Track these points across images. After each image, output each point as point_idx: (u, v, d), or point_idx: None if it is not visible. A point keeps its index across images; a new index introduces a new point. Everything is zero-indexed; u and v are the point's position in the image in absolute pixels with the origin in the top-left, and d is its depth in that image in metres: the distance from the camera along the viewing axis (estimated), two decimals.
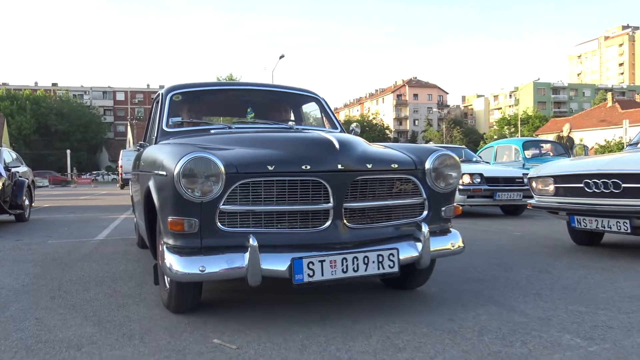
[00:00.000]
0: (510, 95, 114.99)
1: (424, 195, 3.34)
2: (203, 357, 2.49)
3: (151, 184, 3.25)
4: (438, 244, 3.30)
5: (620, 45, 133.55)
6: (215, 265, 2.80)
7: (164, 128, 4.24)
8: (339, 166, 2.98)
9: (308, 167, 2.95)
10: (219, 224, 2.87)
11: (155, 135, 4.28)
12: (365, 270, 2.98)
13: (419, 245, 3.17)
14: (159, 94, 4.75)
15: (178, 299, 3.17)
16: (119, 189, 29.19)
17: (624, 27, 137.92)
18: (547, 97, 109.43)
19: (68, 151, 57.55)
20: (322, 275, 2.88)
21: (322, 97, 5.11)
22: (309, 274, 2.86)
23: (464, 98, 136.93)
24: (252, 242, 2.79)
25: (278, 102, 5.15)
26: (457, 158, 3.47)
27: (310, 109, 5.20)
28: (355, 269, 2.95)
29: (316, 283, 2.88)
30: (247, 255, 2.80)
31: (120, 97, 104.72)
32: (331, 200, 3.00)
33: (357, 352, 2.55)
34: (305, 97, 5.11)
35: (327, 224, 3.01)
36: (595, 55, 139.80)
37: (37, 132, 75.81)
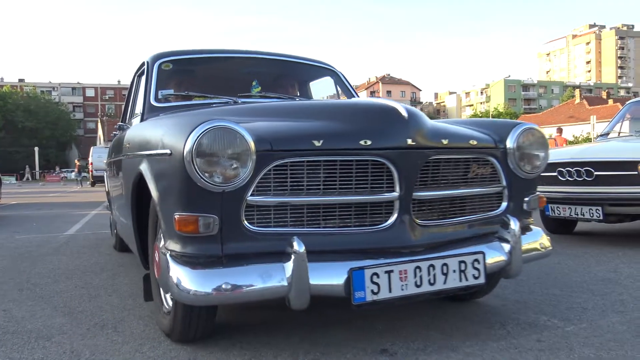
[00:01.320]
0: (481, 92, 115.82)
1: (504, 182, 2.56)
2: (178, 345, 2.40)
3: (145, 169, 2.40)
4: (526, 245, 2.51)
5: (588, 43, 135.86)
6: (244, 281, 1.98)
7: (152, 102, 3.36)
8: (409, 141, 2.17)
9: (368, 142, 2.13)
10: (245, 222, 2.05)
11: (141, 111, 3.40)
12: (445, 282, 2.20)
13: (506, 247, 2.40)
14: (143, 62, 3.85)
15: (185, 325, 2.32)
16: (90, 187, 28.38)
17: (590, 26, 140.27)
18: (518, 94, 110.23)
19: (36, 148, 55.64)
20: (390, 291, 2.09)
21: (339, 71, 4.29)
22: (372, 290, 2.06)
23: (436, 95, 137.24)
24: (298, 246, 1.97)
25: (288, 76, 4.29)
26: (544, 133, 2.68)
27: (323, 86, 4.35)
28: (432, 281, 2.17)
29: (382, 302, 2.09)
30: (289, 265, 1.99)
31: (90, 93, 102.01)
32: (397, 187, 2.19)
33: None
34: (319, 69, 4.26)
35: (392, 220, 2.21)
36: (564, 53, 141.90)
37: (4, 129, 73.30)
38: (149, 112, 3.31)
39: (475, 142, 2.44)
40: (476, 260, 2.25)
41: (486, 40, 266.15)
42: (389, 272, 2.08)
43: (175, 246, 2.09)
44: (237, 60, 4.03)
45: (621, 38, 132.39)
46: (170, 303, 2.44)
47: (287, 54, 4.23)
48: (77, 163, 33.52)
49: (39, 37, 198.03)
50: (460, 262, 2.22)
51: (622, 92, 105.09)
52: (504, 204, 2.58)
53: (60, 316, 2.95)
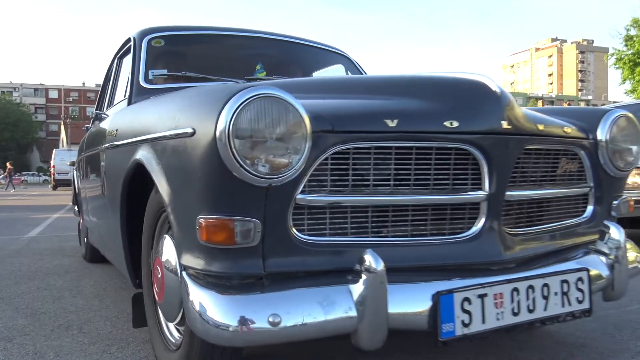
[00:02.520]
0: None
1: (591, 181, 2.07)
2: (148, 346, 2.28)
3: (146, 157, 1.83)
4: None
5: (550, 56, 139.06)
6: (296, 311, 1.40)
7: (142, 84, 2.77)
8: (504, 124, 1.65)
9: (455, 123, 1.60)
10: (294, 230, 1.49)
11: (128, 95, 2.81)
12: (545, 308, 1.70)
13: (606, 261, 1.91)
14: (127, 40, 3.24)
15: None
16: (52, 190, 27.42)
17: (553, 40, 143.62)
18: None
19: None
20: (484, 322, 1.57)
21: (354, 59, 3.77)
22: (463, 322, 1.54)
23: None
24: (374, 262, 1.42)
25: (296, 60, 3.71)
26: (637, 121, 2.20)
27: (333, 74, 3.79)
28: (531, 307, 1.66)
29: (474, 336, 1.55)
30: (356, 288, 1.43)
31: (53, 94, 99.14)
32: (486, 184, 1.67)
33: None
34: (331, 55, 3.72)
35: (477, 227, 1.69)
36: (527, 66, 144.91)
37: None
38: (138, 94, 2.71)
39: (569, 130, 1.94)
40: (580, 279, 1.75)
41: (454, 51, 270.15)
42: (482, 297, 1.56)
43: (196, 262, 1.50)
44: (239, 39, 3.44)
45: (582, 52, 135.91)
46: (177, 335, 1.87)
47: (296, 36, 3.68)
48: (9, 166, 31.30)
49: (0, 35, 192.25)
50: (563, 281, 1.71)
51: (582, 104, 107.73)
52: (590, 209, 2.10)
53: (22, 317, 2.83)
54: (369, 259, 1.41)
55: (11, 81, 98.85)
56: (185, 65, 3.10)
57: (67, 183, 22.66)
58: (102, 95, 4.15)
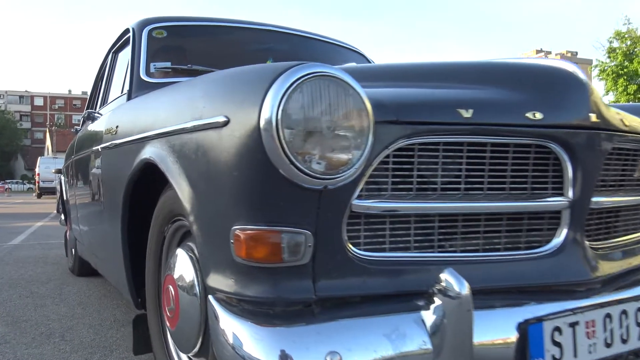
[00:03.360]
0: None
1: None
2: (132, 353, 2.03)
3: (159, 155, 1.53)
4: None
5: None
6: (358, 346, 1.10)
7: (143, 77, 2.49)
8: (593, 117, 1.38)
9: (538, 115, 1.32)
10: (349, 245, 1.21)
11: (127, 89, 2.52)
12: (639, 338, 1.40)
13: None
14: (125, 31, 2.96)
15: None
16: (36, 199, 26.87)
17: (537, 51, 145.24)
18: None
19: None
20: (576, 355, 1.29)
21: (370, 58, 3.51)
22: (554, 356, 1.25)
23: None
24: (456, 284, 1.12)
25: (309, 56, 3.43)
26: None
27: None
28: (625, 337, 1.39)
29: None
30: (429, 316, 1.14)
31: (38, 102, 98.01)
32: (569, 188, 1.39)
33: None
34: (346, 52, 3.45)
35: (559, 240, 1.41)
36: None
37: None
38: (139, 89, 2.41)
39: None
40: None
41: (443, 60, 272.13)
42: (573, 325, 1.28)
43: (228, 283, 1.20)
44: (248, 32, 3.16)
45: None
46: None
47: (309, 31, 3.42)
48: None
49: None
50: None
51: None
52: None
53: (2, 325, 2.79)
54: (450, 279, 1.12)
55: None
56: (188, 59, 2.81)
57: (51, 191, 22.25)
58: (95, 94, 3.86)
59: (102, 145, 2.38)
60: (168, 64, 2.62)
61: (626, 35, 23.24)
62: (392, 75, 1.66)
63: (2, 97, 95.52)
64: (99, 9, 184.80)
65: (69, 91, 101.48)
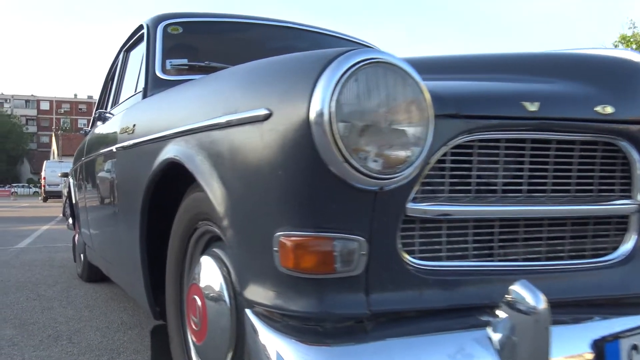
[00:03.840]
0: None
1: None
2: (140, 356, 2.27)
3: (185, 155, 1.41)
4: None
5: None
6: None
7: (158, 74, 2.36)
8: None
9: (609, 109, 1.20)
10: (404, 253, 1.07)
11: (143, 87, 2.40)
12: None
13: None
14: (138, 27, 2.84)
15: None
16: (42, 202, 26.85)
17: None
18: None
19: None
20: None
21: None
22: None
23: None
24: (531, 297, 0.98)
25: None
26: None
27: None
28: None
29: None
30: (502, 333, 1.01)
31: (44, 106, 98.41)
32: (638, 191, 1.26)
33: None
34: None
35: (628, 247, 1.28)
36: None
37: None
38: (155, 86, 2.29)
39: None
40: None
41: None
42: None
43: (269, 296, 1.07)
44: (266, 29, 3.04)
45: None
46: None
47: (328, 28, 3.30)
48: None
49: None
50: None
51: None
52: None
53: (10, 328, 2.77)
54: (523, 292, 0.98)
55: (2, 92, 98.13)
56: (205, 56, 2.69)
57: (57, 195, 22.20)
58: (105, 94, 3.75)
59: (117, 146, 2.26)
60: (185, 61, 2.50)
61: (631, 39, 23.10)
62: (449, 67, 1.53)
63: (8, 101, 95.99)
64: (104, 13, 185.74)
65: (75, 95, 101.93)
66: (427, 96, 1.00)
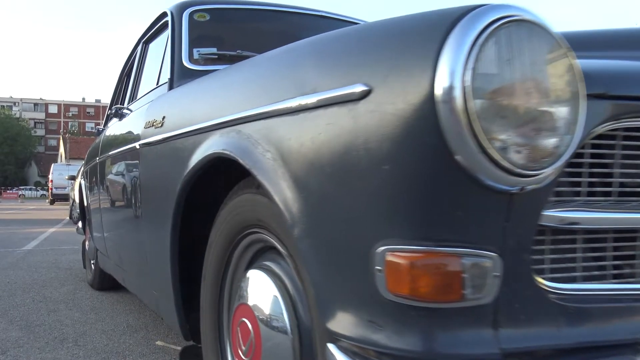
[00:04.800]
0: None
1: None
2: (146, 359, 2.27)
3: (237, 148, 1.15)
4: None
5: None
6: None
7: (185, 64, 2.14)
8: None
9: None
10: (536, 275, 0.82)
11: (168, 78, 2.18)
12: None
13: None
14: (162, 14, 2.62)
15: None
16: (49, 205, 26.80)
17: None
18: None
19: None
20: None
21: None
22: None
23: None
24: None
25: None
26: None
27: None
28: None
29: None
30: None
31: (52, 109, 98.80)
32: None
33: None
34: None
35: None
36: None
37: None
38: (181, 77, 2.08)
39: None
40: None
41: None
42: None
43: (362, 329, 0.82)
44: (300, 18, 2.82)
45: None
46: None
47: (361, 18, 3.08)
48: None
49: (1, 51, 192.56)
50: None
51: None
52: None
53: (16, 330, 2.77)
54: None
55: (11, 96, 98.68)
56: (232, 45, 2.47)
57: (64, 198, 22.12)
58: (120, 90, 3.55)
59: (142, 142, 2.02)
60: (213, 50, 2.28)
61: None
62: (594, 43, 1.28)
63: (17, 104, 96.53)
64: (112, 18, 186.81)
65: (83, 99, 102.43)
66: (578, 68, 0.76)
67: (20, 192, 52.17)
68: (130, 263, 2.41)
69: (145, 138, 1.98)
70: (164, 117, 1.80)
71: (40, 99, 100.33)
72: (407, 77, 0.75)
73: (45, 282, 4.17)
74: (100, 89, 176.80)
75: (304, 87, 0.94)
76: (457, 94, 0.69)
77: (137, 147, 2.09)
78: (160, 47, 2.54)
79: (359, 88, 0.80)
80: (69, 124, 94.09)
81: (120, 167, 2.51)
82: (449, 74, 0.70)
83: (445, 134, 0.70)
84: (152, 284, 1.90)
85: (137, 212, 2.08)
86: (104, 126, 3.62)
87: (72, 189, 14.00)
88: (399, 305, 0.76)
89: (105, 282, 3.67)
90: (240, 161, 1.10)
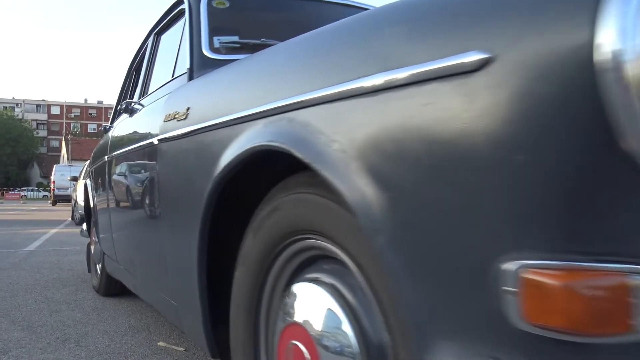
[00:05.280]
0: None
1: None
2: None
3: (295, 139, 0.95)
4: None
5: None
6: None
7: (206, 53, 1.98)
8: None
9: None
10: None
11: (175, 75, 2.07)
12: None
13: None
14: (178, 1, 2.45)
15: None
16: (51, 206, 26.80)
17: None
18: None
19: None
20: None
21: None
22: None
23: None
24: None
25: None
26: None
27: None
28: None
29: None
30: None
31: (55, 111, 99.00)
32: None
33: None
34: None
35: None
36: None
37: None
38: (202, 67, 1.92)
39: None
40: None
41: None
42: None
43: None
44: (322, 6, 2.66)
45: None
46: None
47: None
48: None
49: (3, 52, 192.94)
50: None
51: None
52: None
53: (18, 330, 2.78)
54: None
55: (14, 97, 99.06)
56: (255, 34, 2.32)
57: (66, 199, 22.05)
58: (130, 84, 3.40)
59: (161, 137, 1.83)
60: (235, 38, 2.12)
61: None
62: None
63: (20, 105, 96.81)
64: (113, 18, 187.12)
65: (85, 100, 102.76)
66: None
67: (22, 193, 52.18)
68: (144, 269, 2.23)
69: (165, 132, 1.80)
70: (188, 109, 1.62)
71: (43, 100, 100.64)
72: (548, 40, 0.56)
73: (47, 282, 4.18)
74: (102, 90, 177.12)
75: (388, 61, 0.76)
76: (630, 58, 0.51)
77: (155, 142, 1.91)
78: (174, 37, 2.41)
79: (474, 57, 0.62)
80: (71, 125, 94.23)
81: (133, 165, 2.33)
82: (617, 32, 0.52)
83: (608, 112, 0.52)
84: (172, 292, 1.72)
85: (155, 214, 1.89)
86: (111, 124, 3.47)
87: (75, 190, 13.89)
88: (539, 339, 0.57)
89: (112, 288, 3.51)
90: (297, 154, 0.91)
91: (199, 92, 1.68)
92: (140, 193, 2.18)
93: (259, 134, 1.08)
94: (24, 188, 61.83)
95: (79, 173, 14.68)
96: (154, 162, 1.93)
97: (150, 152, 1.99)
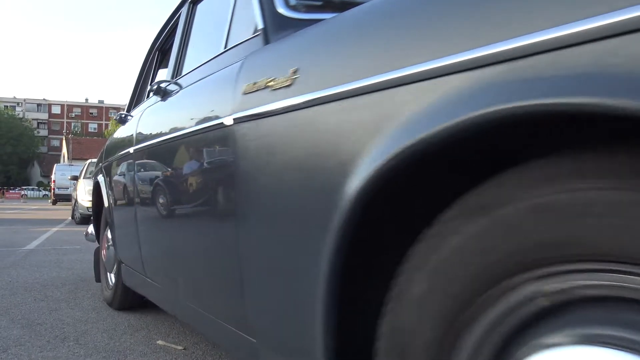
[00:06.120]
0: None
1: None
2: (147, 358, 2.30)
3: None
4: None
5: None
6: None
7: (282, 11, 1.51)
8: None
9: None
10: None
11: (262, 27, 1.52)
12: None
13: None
14: None
15: None
16: (51, 205, 27.05)
17: None
18: None
19: None
20: None
21: None
22: None
23: None
24: None
25: None
26: None
27: None
28: None
29: None
30: None
31: (56, 110, 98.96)
32: None
33: None
34: None
35: None
36: None
37: None
38: (279, 28, 1.47)
39: None
40: None
41: None
42: None
43: None
44: None
45: None
46: None
47: None
48: None
49: (5, 51, 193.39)
50: None
51: None
52: None
53: (17, 328, 2.79)
54: None
55: (15, 96, 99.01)
56: None
57: (67, 198, 22.20)
58: (153, 65, 3.04)
59: (242, 114, 1.36)
60: None
61: None
62: None
63: (20, 104, 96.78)
64: (114, 19, 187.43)
65: (86, 100, 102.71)
66: None
67: (22, 192, 52.33)
68: (196, 290, 1.82)
69: (247, 109, 1.34)
70: (295, 71, 1.14)
71: (44, 99, 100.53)
72: None
73: (46, 281, 4.22)
74: (103, 90, 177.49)
75: None
76: None
77: (227, 123, 1.43)
78: (216, 5, 2.10)
79: None
80: (72, 124, 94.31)
81: (182, 155, 1.88)
82: None
83: None
84: (249, 326, 1.34)
85: (227, 221, 1.48)
86: (128, 112, 3.10)
87: (75, 189, 14.02)
88: None
89: (128, 302, 3.13)
90: None
91: (310, 49, 1.19)
92: (196, 192, 1.78)
93: (490, 90, 0.63)
94: (24, 187, 61.99)
95: (79, 172, 14.82)
96: (226, 148, 1.45)
97: (218, 136, 1.52)
